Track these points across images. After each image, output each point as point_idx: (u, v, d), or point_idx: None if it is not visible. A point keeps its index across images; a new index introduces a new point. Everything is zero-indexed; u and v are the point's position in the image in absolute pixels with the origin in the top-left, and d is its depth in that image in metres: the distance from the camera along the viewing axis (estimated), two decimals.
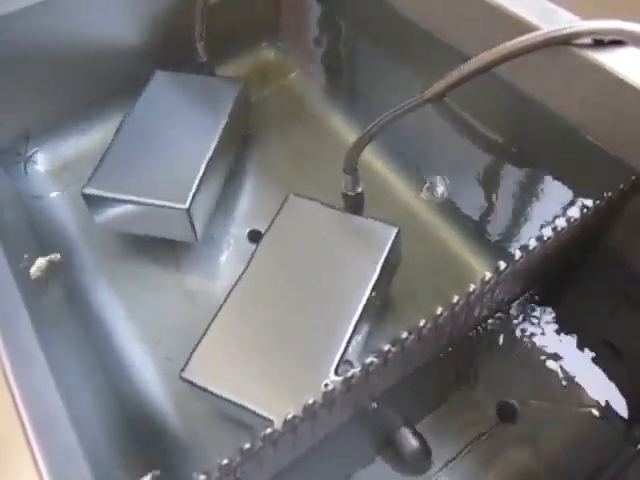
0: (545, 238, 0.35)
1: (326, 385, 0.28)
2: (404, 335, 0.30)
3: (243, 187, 0.61)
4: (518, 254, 0.35)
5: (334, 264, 0.45)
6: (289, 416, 0.27)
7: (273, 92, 0.68)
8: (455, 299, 0.32)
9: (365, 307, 0.44)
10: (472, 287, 0.33)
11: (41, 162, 0.62)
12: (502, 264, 0.34)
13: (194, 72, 0.59)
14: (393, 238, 0.46)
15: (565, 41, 0.39)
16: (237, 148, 0.61)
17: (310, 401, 0.27)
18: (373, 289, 0.44)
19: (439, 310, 0.32)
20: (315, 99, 0.67)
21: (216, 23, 0.59)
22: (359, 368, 0.29)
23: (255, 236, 0.57)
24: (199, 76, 0.59)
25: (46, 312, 0.43)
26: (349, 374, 0.28)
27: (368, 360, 0.29)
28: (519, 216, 0.51)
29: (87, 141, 0.63)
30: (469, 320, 0.40)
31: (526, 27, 0.41)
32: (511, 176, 0.50)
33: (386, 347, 0.29)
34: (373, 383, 0.33)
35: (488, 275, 0.34)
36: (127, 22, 0.60)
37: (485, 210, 0.53)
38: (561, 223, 0.35)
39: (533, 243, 0.35)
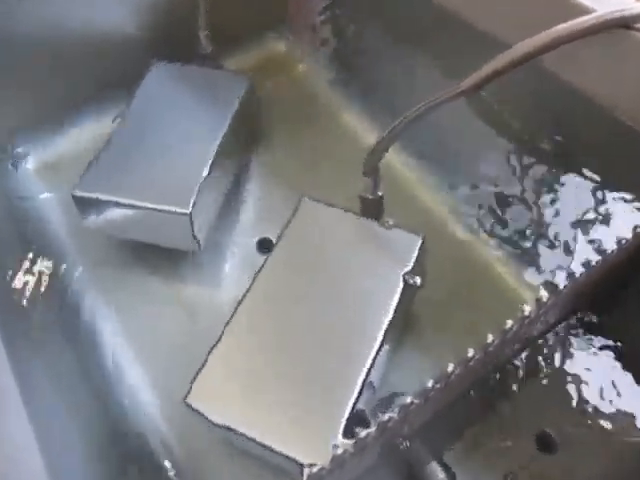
0: (593, 263, 0.30)
1: (357, 434, 0.23)
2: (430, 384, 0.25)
3: (250, 190, 0.57)
4: (562, 282, 0.30)
5: (353, 277, 0.42)
6: (315, 469, 0.22)
7: (282, 86, 0.65)
8: (489, 339, 0.28)
9: (388, 326, 0.40)
10: (509, 324, 0.29)
11: (30, 160, 0.59)
12: (545, 295, 0.29)
13: (196, 64, 0.56)
14: (418, 248, 0.43)
15: (624, 24, 0.34)
16: (243, 147, 0.57)
17: (339, 451, 0.22)
18: (397, 306, 0.41)
19: (470, 352, 0.27)
20: (328, 94, 0.64)
21: (219, 11, 0.56)
22: (396, 412, 0.25)
23: (264, 244, 0.53)
24: (202, 68, 0.55)
25: (28, 332, 0.40)
26: (385, 418, 0.23)
27: (407, 401, 0.24)
28: (559, 223, 0.46)
29: (81, 138, 0.60)
30: (502, 355, 0.35)
31: (576, 9, 0.37)
32: (553, 181, 0.45)
33: (429, 384, 0.25)
34: (406, 425, 0.28)
35: (527, 309, 0.29)
36: (122, 8, 0.57)
37: (520, 218, 0.49)
38: (610, 245, 0.31)
39: (579, 269, 0.30)
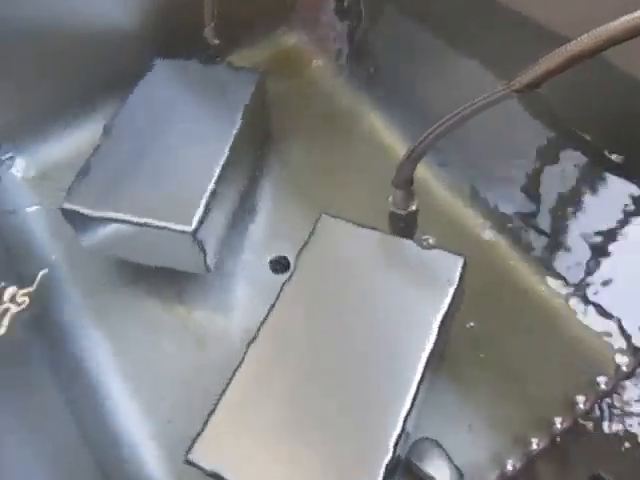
0: None
1: None
2: None
3: (261, 202, 0.53)
4: None
5: (385, 305, 0.38)
6: None
7: (295, 86, 0.61)
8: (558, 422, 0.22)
9: (428, 361, 0.36)
10: (580, 401, 0.23)
11: (17, 168, 0.56)
12: (624, 360, 0.24)
13: (201, 61, 0.52)
14: (460, 270, 0.38)
15: None
16: (253, 154, 0.54)
17: None
18: (436, 338, 0.36)
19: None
20: (346, 93, 0.60)
21: (225, 2, 0.52)
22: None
23: (278, 264, 0.49)
24: (208, 66, 0.52)
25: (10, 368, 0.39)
26: None
27: None
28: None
29: (74, 144, 0.56)
30: None
31: None
32: (617, 195, 0.40)
33: None
34: None
35: (603, 381, 0.24)
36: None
37: (571, 235, 0.45)
38: None
39: None
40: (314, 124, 0.58)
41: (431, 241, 0.40)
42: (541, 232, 0.47)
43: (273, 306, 0.38)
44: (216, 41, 0.52)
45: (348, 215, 0.41)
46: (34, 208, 0.53)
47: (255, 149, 0.54)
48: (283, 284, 0.39)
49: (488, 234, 0.49)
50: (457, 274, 0.38)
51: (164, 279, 0.48)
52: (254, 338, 0.37)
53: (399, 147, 0.52)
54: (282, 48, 0.64)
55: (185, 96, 0.50)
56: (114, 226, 0.43)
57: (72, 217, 0.43)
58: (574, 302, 0.44)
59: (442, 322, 0.37)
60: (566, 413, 0.34)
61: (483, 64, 0.43)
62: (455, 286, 0.38)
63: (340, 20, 0.60)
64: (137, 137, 0.47)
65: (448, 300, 0.37)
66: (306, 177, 0.55)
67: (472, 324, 0.44)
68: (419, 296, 0.38)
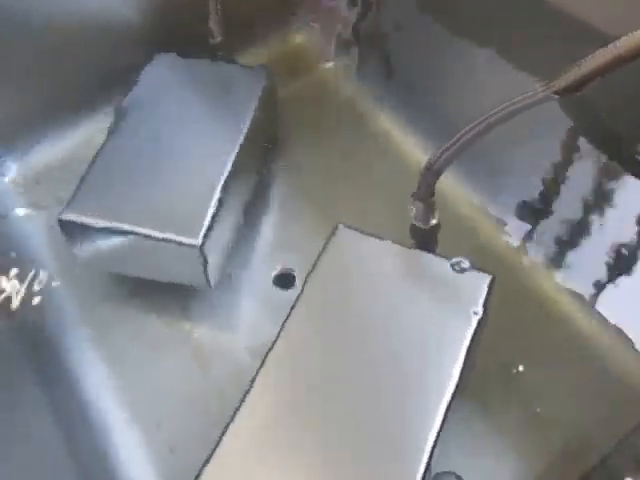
0: None
1: None
2: None
3: (268, 213, 0.52)
4: None
5: (407, 326, 0.35)
6: None
7: (305, 87, 0.60)
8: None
9: (454, 393, 0.33)
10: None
11: (8, 172, 0.54)
12: None
13: (205, 58, 0.51)
14: (487, 289, 0.36)
15: None
16: (261, 161, 0.52)
17: None
18: (463, 364, 0.34)
19: None
20: (360, 94, 0.58)
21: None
22: None
23: (284, 278, 0.48)
24: (212, 62, 0.50)
25: None
26: None
27: None
28: None
29: (69, 146, 0.55)
30: None
31: None
32: None
33: None
34: None
35: None
36: None
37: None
38: None
39: None
40: (325, 128, 0.57)
41: (465, 264, 0.37)
42: (569, 245, 0.45)
43: (283, 327, 0.35)
44: (219, 37, 0.50)
45: (362, 227, 0.39)
46: (27, 214, 0.52)
47: (262, 154, 0.52)
48: (294, 303, 0.36)
49: (514, 250, 0.47)
50: (484, 294, 0.36)
51: (165, 294, 0.46)
52: (263, 363, 0.34)
53: (418, 152, 0.51)
54: (291, 45, 0.63)
55: (190, 96, 0.48)
56: (114, 238, 0.41)
57: (70, 228, 0.41)
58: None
59: (470, 346, 0.34)
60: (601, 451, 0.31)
61: (512, 61, 0.41)
62: (482, 308, 0.36)
63: (353, 14, 0.58)
64: (140, 140, 0.45)
65: (475, 322, 0.35)
66: (315, 185, 0.53)
67: (498, 347, 0.42)
68: (444, 316, 0.36)
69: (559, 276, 0.45)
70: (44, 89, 0.53)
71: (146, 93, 0.48)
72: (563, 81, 0.31)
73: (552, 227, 0.45)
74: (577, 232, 0.44)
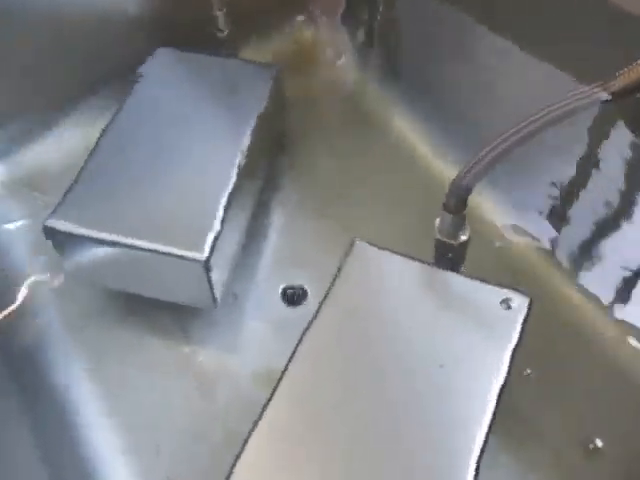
0: None
1: None
2: None
3: (275, 223, 0.50)
4: None
5: (434, 353, 0.33)
6: None
7: (316, 86, 0.58)
8: None
9: (489, 427, 0.31)
10: None
11: None
12: None
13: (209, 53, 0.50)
14: (525, 313, 0.34)
15: None
16: (267, 165, 0.51)
17: None
18: (499, 394, 0.32)
19: None
20: (374, 95, 0.57)
21: None
22: None
23: (293, 295, 0.46)
24: (217, 59, 0.49)
25: None
26: None
27: None
28: None
29: (65, 147, 0.54)
30: None
31: None
32: None
33: None
34: None
35: None
36: None
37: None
38: None
39: None
40: (335, 129, 0.55)
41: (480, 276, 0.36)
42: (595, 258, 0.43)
43: (295, 352, 0.33)
44: (226, 29, 0.51)
45: (378, 239, 0.38)
46: (15, 222, 0.50)
47: (269, 158, 0.51)
48: (309, 323, 0.34)
49: (546, 268, 0.45)
50: (521, 318, 0.34)
51: (164, 312, 0.45)
52: (272, 395, 0.32)
53: (437, 156, 0.50)
54: (299, 40, 0.61)
55: (192, 94, 0.47)
56: (108, 250, 0.39)
57: (57, 237, 0.39)
58: None
59: (506, 374, 0.32)
60: None
61: (556, 64, 0.38)
62: (519, 332, 0.33)
63: (364, 9, 0.57)
64: (138, 142, 0.44)
65: (511, 348, 0.33)
66: (326, 191, 0.52)
67: (529, 371, 0.40)
68: (476, 342, 0.34)
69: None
70: (38, 87, 0.52)
71: (145, 90, 0.47)
72: (622, 82, 0.29)
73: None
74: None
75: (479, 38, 0.45)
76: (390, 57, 0.57)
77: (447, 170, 0.47)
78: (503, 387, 0.32)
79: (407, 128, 0.54)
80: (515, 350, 0.33)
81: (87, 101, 0.54)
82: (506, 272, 0.45)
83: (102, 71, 0.52)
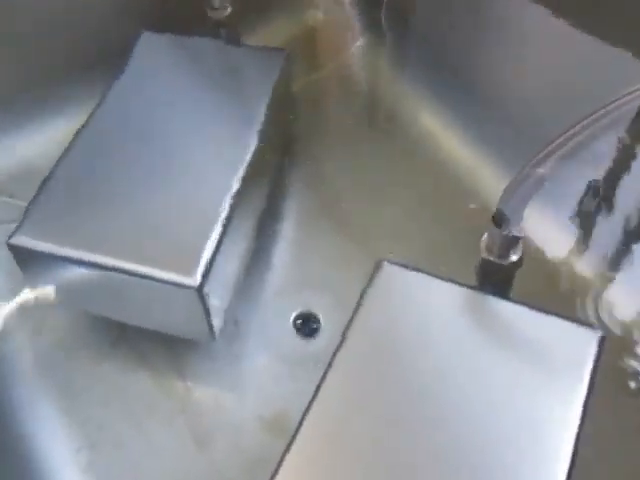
0: None
1: None
2: None
3: (283, 237, 0.46)
4: None
5: (484, 396, 0.30)
6: None
7: (327, 76, 0.55)
8: None
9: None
10: None
11: None
12: None
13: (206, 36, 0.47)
14: (596, 350, 0.30)
15: None
16: (274, 171, 0.47)
17: None
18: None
19: None
20: (393, 86, 0.53)
21: None
22: None
23: (308, 325, 0.42)
24: (215, 43, 0.46)
25: None
26: None
27: None
28: None
29: (37, 148, 0.50)
30: None
31: None
32: None
33: None
34: None
35: None
36: None
37: None
38: None
39: None
40: (351, 126, 0.52)
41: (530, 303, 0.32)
42: None
43: (315, 397, 0.30)
44: (229, 8, 0.46)
45: (404, 255, 0.36)
46: None
47: (276, 161, 0.48)
48: (331, 360, 0.31)
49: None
50: (592, 357, 0.30)
51: (155, 344, 0.41)
52: (290, 446, 0.29)
53: (473, 159, 0.46)
54: (309, 25, 0.58)
55: (185, 86, 0.43)
56: (85, 273, 0.35)
57: (23, 256, 0.36)
58: None
59: (578, 429, 0.29)
60: None
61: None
62: (590, 375, 0.30)
63: None
64: (120, 143, 0.40)
65: (582, 396, 0.29)
66: (342, 200, 0.48)
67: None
68: (535, 385, 0.30)
69: None
70: (15, 77, 0.49)
71: (129, 83, 0.43)
72: None
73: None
74: None
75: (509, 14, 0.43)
76: (413, 44, 0.54)
77: (487, 177, 0.44)
78: (576, 448, 0.28)
79: (433, 122, 0.51)
80: (588, 398, 0.29)
81: (64, 95, 0.51)
82: (564, 301, 0.41)
83: (82, 59, 0.50)
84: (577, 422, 0.29)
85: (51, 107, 0.51)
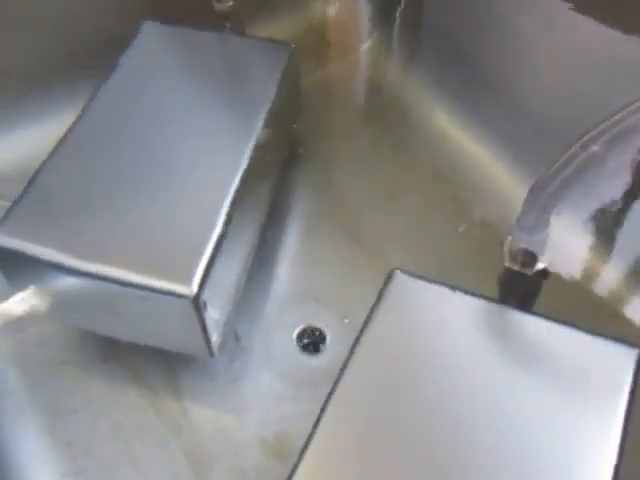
0: None
1: None
2: None
3: (289, 247, 0.45)
4: None
5: (509, 418, 0.28)
6: None
7: (336, 74, 0.54)
8: None
9: None
10: None
11: None
12: None
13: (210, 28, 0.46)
14: (634, 369, 0.29)
15: None
16: (278, 174, 0.46)
17: None
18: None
19: None
20: (409, 85, 0.52)
21: None
22: None
23: (312, 341, 0.41)
24: (219, 36, 0.44)
25: None
26: None
27: None
28: None
29: (28, 146, 0.49)
30: None
31: None
32: None
33: None
34: None
35: None
36: None
37: None
38: None
39: None
40: (360, 126, 0.51)
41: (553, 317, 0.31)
42: None
43: (322, 415, 0.28)
44: (231, 1, 0.44)
45: (417, 264, 0.35)
46: None
47: (279, 163, 0.46)
48: (338, 377, 0.30)
49: None
50: (630, 376, 0.29)
51: (149, 361, 0.40)
52: (295, 469, 0.27)
53: (493, 160, 0.45)
54: (316, 21, 0.57)
55: (185, 79, 0.42)
56: (72, 279, 0.33)
57: (6, 260, 0.35)
58: None
59: (620, 447, 0.27)
60: None
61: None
62: (628, 395, 0.28)
63: None
64: (114, 140, 0.38)
65: (621, 417, 0.28)
66: (350, 204, 0.47)
67: None
68: (568, 407, 0.28)
69: None
70: (6, 71, 0.48)
71: (127, 75, 0.42)
72: None
73: None
74: None
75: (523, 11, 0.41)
76: (426, 40, 0.53)
77: (505, 180, 0.43)
78: (618, 468, 0.27)
79: (448, 124, 0.50)
80: (627, 419, 0.28)
81: (54, 91, 0.50)
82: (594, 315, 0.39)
83: (77, 52, 0.49)
84: (617, 444, 0.27)
85: (46, 106, 0.50)
